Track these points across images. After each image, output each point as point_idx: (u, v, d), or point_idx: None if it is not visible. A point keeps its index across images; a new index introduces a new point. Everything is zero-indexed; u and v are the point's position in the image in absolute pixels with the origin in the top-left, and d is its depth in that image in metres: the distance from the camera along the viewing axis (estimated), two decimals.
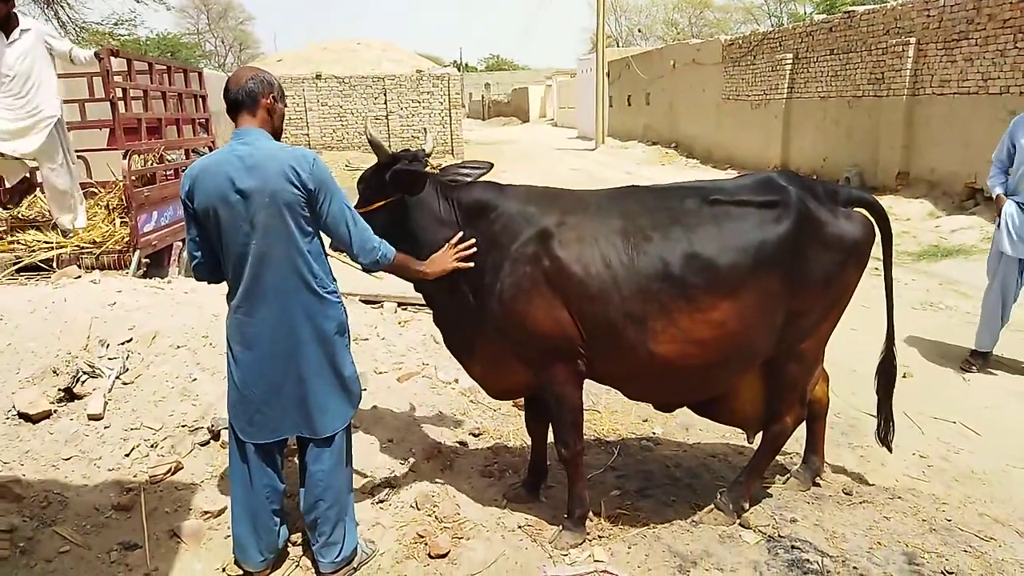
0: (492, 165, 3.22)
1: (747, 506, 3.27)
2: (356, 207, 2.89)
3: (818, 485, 3.58)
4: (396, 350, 4.69)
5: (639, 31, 54.73)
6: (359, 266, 2.84)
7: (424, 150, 3.13)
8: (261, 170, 2.49)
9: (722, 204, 2.96)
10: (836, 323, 3.22)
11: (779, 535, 3.12)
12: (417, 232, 3.00)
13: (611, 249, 2.86)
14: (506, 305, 2.90)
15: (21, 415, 3.37)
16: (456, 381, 4.38)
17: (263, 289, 2.57)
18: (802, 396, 3.27)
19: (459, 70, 27.08)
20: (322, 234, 2.69)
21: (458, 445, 3.83)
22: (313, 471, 2.75)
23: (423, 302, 6.23)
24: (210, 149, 7.92)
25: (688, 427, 4.19)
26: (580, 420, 3.10)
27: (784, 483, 3.58)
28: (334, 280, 2.74)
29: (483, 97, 56.31)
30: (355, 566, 2.86)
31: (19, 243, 5.64)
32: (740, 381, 3.19)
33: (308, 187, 2.52)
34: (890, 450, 3.52)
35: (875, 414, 3.59)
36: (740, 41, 17.58)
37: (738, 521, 3.23)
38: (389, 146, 3.17)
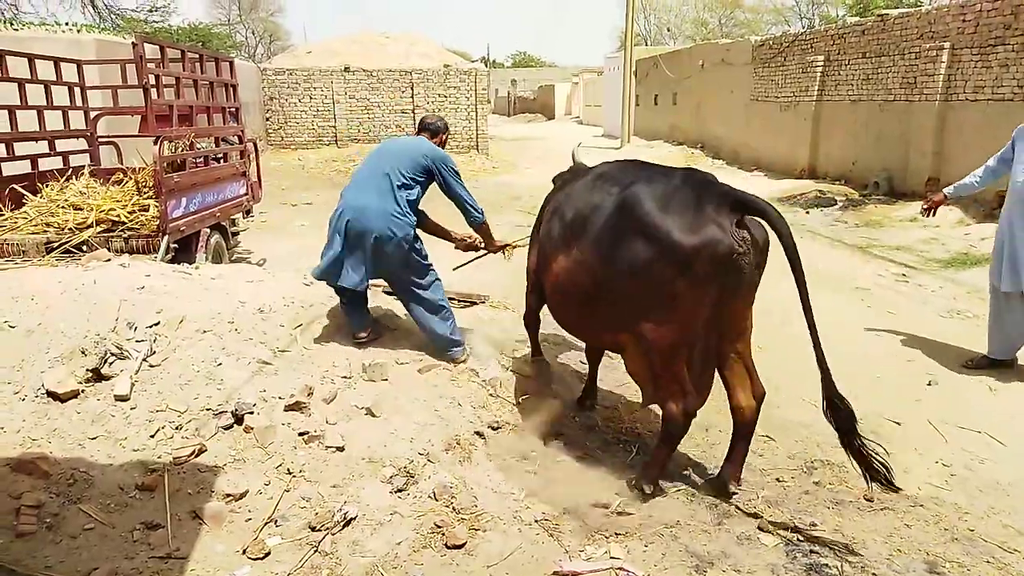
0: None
1: (650, 491, 3.37)
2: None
3: (729, 495, 3.45)
4: (418, 341, 4.71)
5: (668, 30, 54.41)
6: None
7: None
8: None
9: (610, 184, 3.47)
10: (676, 324, 3.13)
11: (798, 539, 3.11)
12: None
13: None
14: None
15: (50, 394, 3.43)
16: (476, 373, 4.40)
17: None
18: (680, 387, 3.26)
19: (486, 66, 27.03)
20: None
21: (477, 437, 3.84)
22: None
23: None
24: (239, 138, 8.01)
25: (708, 427, 4.18)
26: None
27: (700, 488, 3.57)
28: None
29: (509, 93, 56.27)
30: None
31: (50, 225, 5.73)
32: (619, 339, 3.47)
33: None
34: (895, 489, 3.17)
35: (868, 452, 3.19)
36: (771, 42, 17.41)
37: (757, 523, 3.22)
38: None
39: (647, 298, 3.15)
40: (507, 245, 4.96)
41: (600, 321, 3.50)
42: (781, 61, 16.58)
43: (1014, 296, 4.86)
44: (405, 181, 4.29)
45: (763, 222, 3.15)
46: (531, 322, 4.60)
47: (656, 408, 4.05)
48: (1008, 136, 5.04)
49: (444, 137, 4.70)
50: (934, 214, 5.42)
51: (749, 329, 3.43)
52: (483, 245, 4.90)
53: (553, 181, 4.46)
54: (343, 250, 4.22)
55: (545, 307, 4.17)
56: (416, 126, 4.75)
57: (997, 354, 5.05)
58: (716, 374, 3.45)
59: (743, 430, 3.48)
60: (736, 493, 3.47)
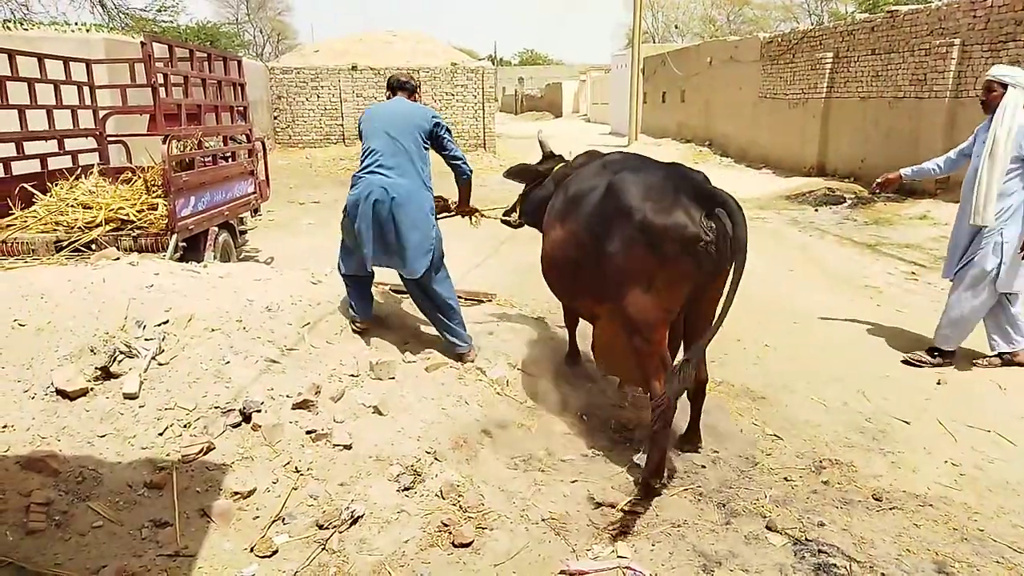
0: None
1: (659, 484, 3.45)
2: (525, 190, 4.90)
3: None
4: (425, 339, 4.72)
5: (676, 27, 54.21)
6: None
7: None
8: None
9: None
10: (652, 300, 3.34)
11: (806, 539, 3.09)
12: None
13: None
14: None
15: (59, 392, 3.45)
16: (483, 372, 4.40)
17: None
18: (662, 364, 3.44)
19: (493, 64, 27.05)
20: None
21: (484, 435, 3.84)
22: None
23: None
24: (247, 137, 8.03)
25: (715, 425, 4.16)
26: None
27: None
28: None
29: (516, 91, 56.19)
30: None
31: (60, 224, 5.76)
32: (595, 310, 3.82)
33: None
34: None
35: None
36: (779, 39, 17.33)
37: (765, 522, 3.21)
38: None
39: (624, 271, 3.40)
40: (476, 210, 5.03)
41: (582, 288, 3.83)
42: (790, 58, 16.51)
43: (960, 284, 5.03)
44: (422, 152, 4.33)
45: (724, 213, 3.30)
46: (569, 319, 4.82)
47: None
48: None
49: (419, 95, 4.74)
50: (885, 191, 5.59)
51: (712, 316, 3.53)
52: (454, 206, 4.97)
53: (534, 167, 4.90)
54: (371, 235, 4.21)
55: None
56: (389, 87, 4.65)
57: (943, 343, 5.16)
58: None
59: (694, 403, 3.89)
60: (696, 450, 3.88)
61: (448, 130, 4.52)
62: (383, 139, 4.30)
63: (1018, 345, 5.00)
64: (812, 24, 33.31)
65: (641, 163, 3.80)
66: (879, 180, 5.51)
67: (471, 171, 4.69)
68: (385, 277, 5.18)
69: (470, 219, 5.08)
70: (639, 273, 3.35)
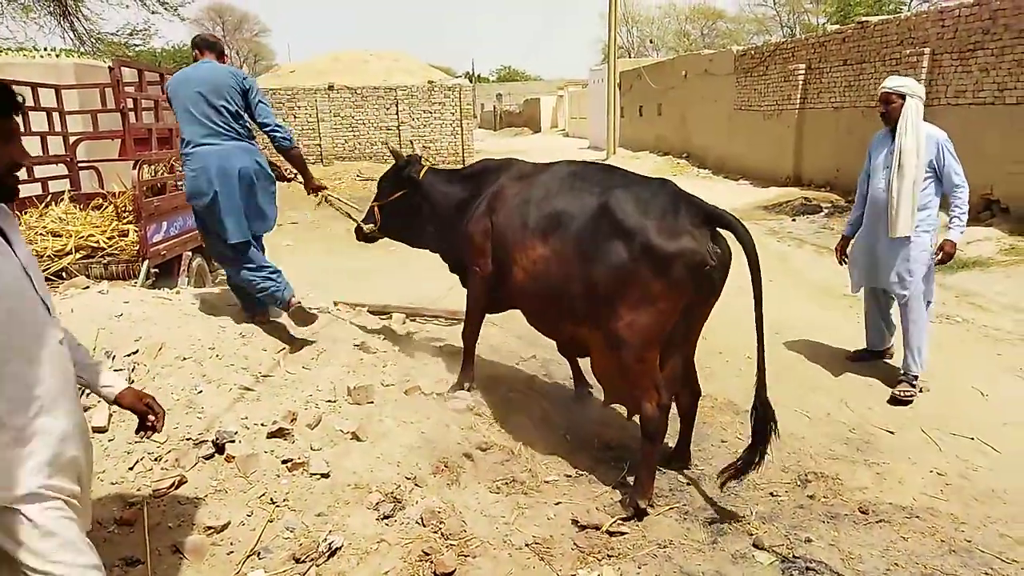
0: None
1: (646, 505, 3.38)
2: (376, 199, 4.68)
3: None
4: (404, 363, 4.64)
5: (651, 42, 54.77)
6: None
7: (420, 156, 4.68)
8: None
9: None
10: (645, 320, 3.29)
11: (793, 556, 3.05)
12: (435, 205, 4.50)
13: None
14: None
15: None
16: (465, 394, 4.33)
17: None
18: (653, 384, 3.41)
19: (471, 80, 27.14)
20: None
21: (465, 459, 3.77)
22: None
23: (432, 314, 6.22)
24: (283, 172, 7.96)
25: (701, 440, 4.12)
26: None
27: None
28: None
29: (495, 108, 56.43)
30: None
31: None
32: (583, 336, 3.63)
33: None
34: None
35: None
36: (752, 52, 17.51)
37: (751, 540, 3.16)
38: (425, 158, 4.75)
39: (622, 293, 3.31)
40: (323, 188, 4.96)
41: (565, 311, 3.64)
42: (763, 70, 16.68)
43: (877, 291, 5.13)
44: (239, 112, 4.31)
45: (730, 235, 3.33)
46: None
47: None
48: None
49: (226, 57, 4.64)
50: (847, 256, 5.27)
51: (698, 336, 3.69)
52: (292, 177, 4.95)
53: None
54: (218, 202, 4.20)
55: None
56: (195, 46, 4.51)
57: (875, 344, 5.32)
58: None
59: (686, 419, 3.88)
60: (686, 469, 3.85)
61: (263, 96, 4.41)
62: (194, 101, 4.20)
63: (888, 343, 5.30)
64: (784, 37, 33.78)
65: (622, 176, 3.66)
66: (836, 250, 5.34)
67: (291, 140, 4.53)
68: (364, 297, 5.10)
69: (314, 195, 4.96)
70: (639, 295, 3.27)
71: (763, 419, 3.29)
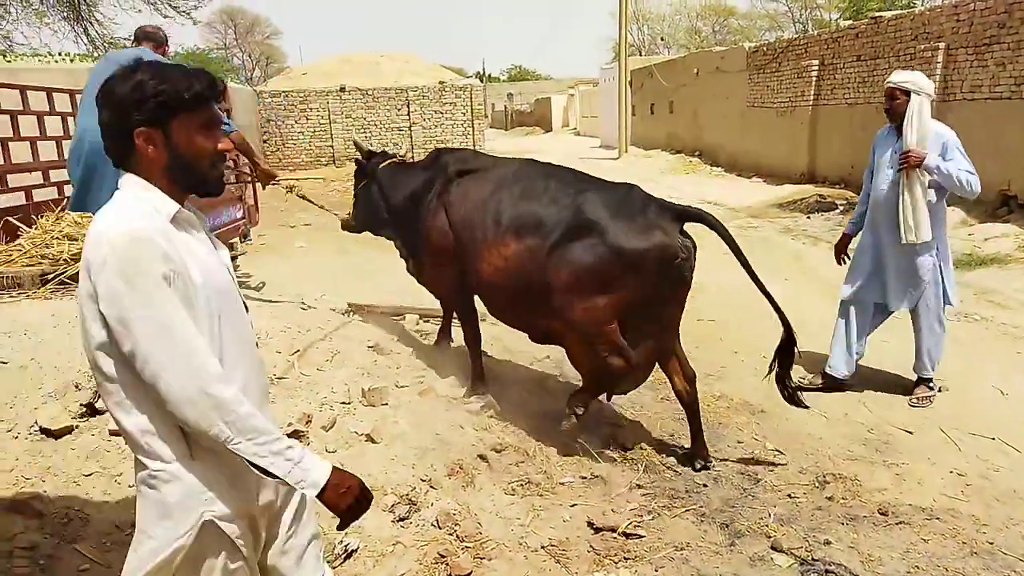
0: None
1: (581, 411, 3.85)
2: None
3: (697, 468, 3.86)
4: (418, 365, 4.65)
5: (662, 39, 54.57)
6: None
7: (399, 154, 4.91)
8: None
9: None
10: (606, 310, 3.59)
11: (812, 558, 3.02)
12: (389, 195, 4.66)
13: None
14: None
15: (43, 430, 3.36)
16: (477, 395, 4.32)
17: None
18: (618, 346, 3.65)
19: (482, 80, 27.18)
20: None
21: (480, 460, 3.76)
22: None
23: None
24: (235, 162, 7.97)
25: (717, 440, 4.10)
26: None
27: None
28: None
29: (506, 107, 56.43)
30: None
31: (46, 257, 5.68)
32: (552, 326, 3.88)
33: None
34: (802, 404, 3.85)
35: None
36: (765, 48, 17.42)
37: (770, 542, 3.14)
38: (405, 154, 5.06)
39: (588, 284, 3.57)
40: (273, 175, 5.16)
41: (537, 307, 3.82)
42: (776, 67, 16.58)
43: (867, 305, 4.82)
44: None
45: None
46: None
47: (658, 434, 4.02)
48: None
49: (166, 48, 4.62)
50: (847, 255, 5.12)
51: (679, 323, 3.91)
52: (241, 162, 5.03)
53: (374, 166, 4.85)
54: (82, 176, 4.26)
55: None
56: (135, 38, 4.60)
57: (838, 369, 4.80)
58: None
59: (690, 407, 3.92)
60: (707, 466, 3.86)
61: None
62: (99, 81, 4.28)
63: (852, 369, 4.84)
64: (797, 33, 33.56)
65: (575, 176, 3.97)
66: (836, 249, 5.19)
67: (230, 126, 4.52)
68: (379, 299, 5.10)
69: (261, 180, 5.11)
70: (603, 286, 3.55)
71: (789, 337, 3.71)
